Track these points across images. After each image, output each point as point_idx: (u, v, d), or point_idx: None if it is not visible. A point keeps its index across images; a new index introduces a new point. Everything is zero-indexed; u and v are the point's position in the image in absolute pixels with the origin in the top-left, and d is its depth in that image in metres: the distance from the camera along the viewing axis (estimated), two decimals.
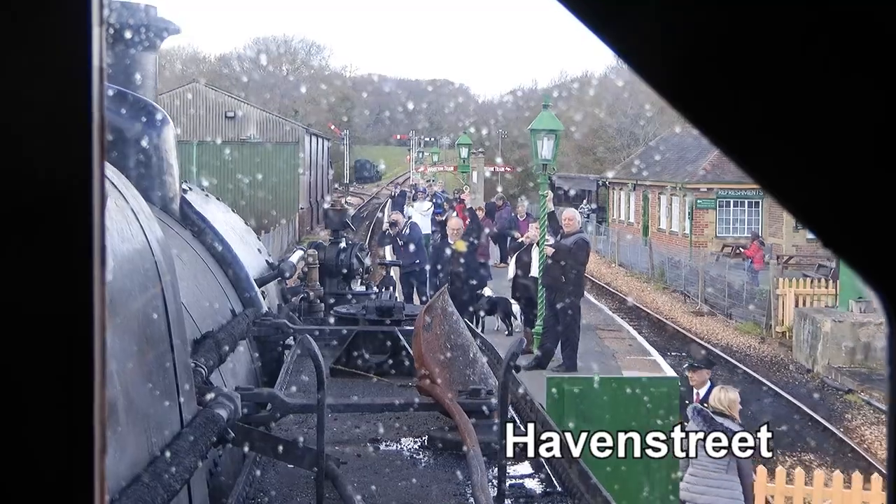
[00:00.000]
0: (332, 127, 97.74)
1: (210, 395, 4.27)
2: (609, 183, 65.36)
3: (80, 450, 1.01)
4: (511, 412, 5.48)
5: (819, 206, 0.99)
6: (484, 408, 5.10)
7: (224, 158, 57.68)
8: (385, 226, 19.85)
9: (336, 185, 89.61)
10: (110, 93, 6.74)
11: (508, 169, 70.51)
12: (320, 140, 74.07)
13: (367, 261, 10.78)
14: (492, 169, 61.49)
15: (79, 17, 0.96)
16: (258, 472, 4.63)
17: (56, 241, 0.98)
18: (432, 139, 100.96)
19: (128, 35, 7.54)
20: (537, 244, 20.66)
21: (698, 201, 50.54)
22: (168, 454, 3.16)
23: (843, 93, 0.93)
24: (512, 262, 23.02)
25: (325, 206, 12.26)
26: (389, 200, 54.49)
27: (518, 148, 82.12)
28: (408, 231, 24.64)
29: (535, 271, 20.80)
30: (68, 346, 0.99)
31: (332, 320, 7.94)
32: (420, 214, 32.70)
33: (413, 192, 49.78)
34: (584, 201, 66.97)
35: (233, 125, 60.29)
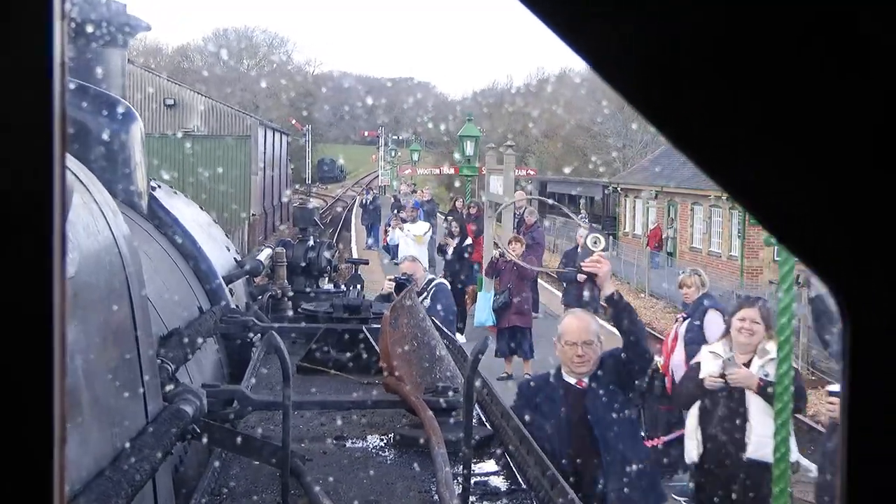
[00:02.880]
0: (294, 122, 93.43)
1: (176, 391, 4.26)
2: (620, 189, 54.87)
3: (39, 440, 1.00)
4: (476, 410, 5.51)
5: (770, 203, 1.01)
6: (446, 404, 5.11)
7: (158, 153, 46.78)
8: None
9: (296, 186, 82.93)
10: (72, 86, 6.70)
11: (532, 172, 55.21)
12: (278, 135, 65.48)
13: (335, 259, 10.76)
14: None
15: (41, 11, 0.96)
16: (223, 468, 4.62)
17: (15, 234, 0.97)
18: (413, 136, 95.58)
19: (95, 31, 7.50)
20: None
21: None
22: (132, 448, 3.15)
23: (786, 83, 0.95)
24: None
25: (294, 203, 12.19)
26: (360, 210, 47.76)
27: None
28: (429, 300, 13.46)
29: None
30: (27, 337, 0.99)
31: (300, 318, 7.94)
32: (415, 244, 26.00)
33: (395, 203, 38.45)
34: (582, 210, 57.28)
35: (173, 115, 51.94)
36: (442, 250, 23.16)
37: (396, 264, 29.02)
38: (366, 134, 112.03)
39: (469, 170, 28.73)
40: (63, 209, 0.99)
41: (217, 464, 4.59)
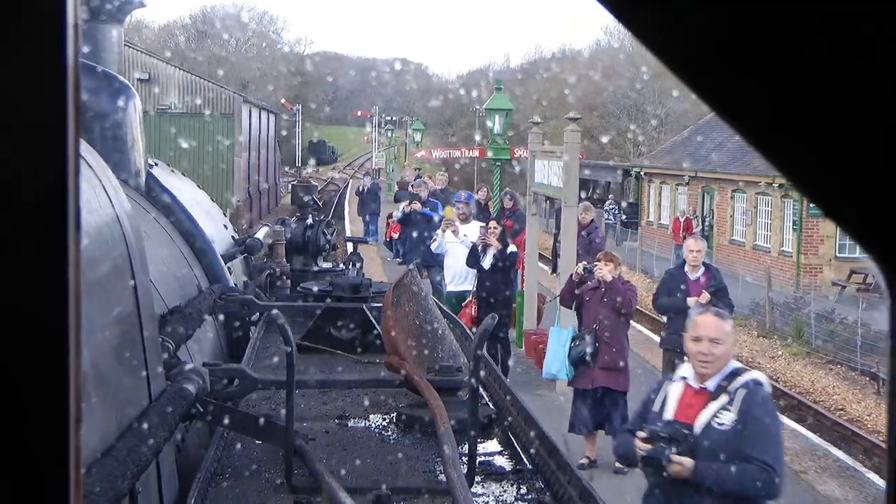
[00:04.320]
0: (283, 100, 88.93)
1: (178, 370, 4.23)
2: (644, 173, 47.63)
3: (55, 420, 0.99)
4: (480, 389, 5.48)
5: (821, 175, 0.97)
6: (449, 384, 5.07)
7: None
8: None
9: (286, 168, 77.38)
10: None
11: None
12: (265, 114, 59.05)
13: (334, 237, 10.72)
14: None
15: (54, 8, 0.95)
16: (225, 447, 4.59)
17: (30, 219, 0.97)
18: (408, 116, 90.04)
19: (91, 7, 7.43)
20: None
21: (811, 207, 30.34)
22: (137, 428, 3.12)
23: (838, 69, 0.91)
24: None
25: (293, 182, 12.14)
26: (356, 198, 40.25)
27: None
28: None
29: None
30: (44, 317, 0.97)
31: (299, 296, 7.90)
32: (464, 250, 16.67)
33: (401, 190, 31.17)
34: (610, 197, 52.30)
35: (146, 91, 44.14)
36: (475, 259, 15.74)
37: (400, 263, 23.88)
38: (358, 114, 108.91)
39: (499, 151, 21.89)
40: (76, 195, 0.99)
41: (220, 443, 4.56)
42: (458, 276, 17.12)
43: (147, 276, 4.08)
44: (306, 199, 10.24)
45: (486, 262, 15.18)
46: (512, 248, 15.56)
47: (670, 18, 0.95)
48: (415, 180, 30.18)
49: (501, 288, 15.50)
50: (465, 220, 17.81)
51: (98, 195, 3.49)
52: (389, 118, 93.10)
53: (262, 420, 4.33)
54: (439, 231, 17.89)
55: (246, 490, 4.11)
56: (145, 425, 3.18)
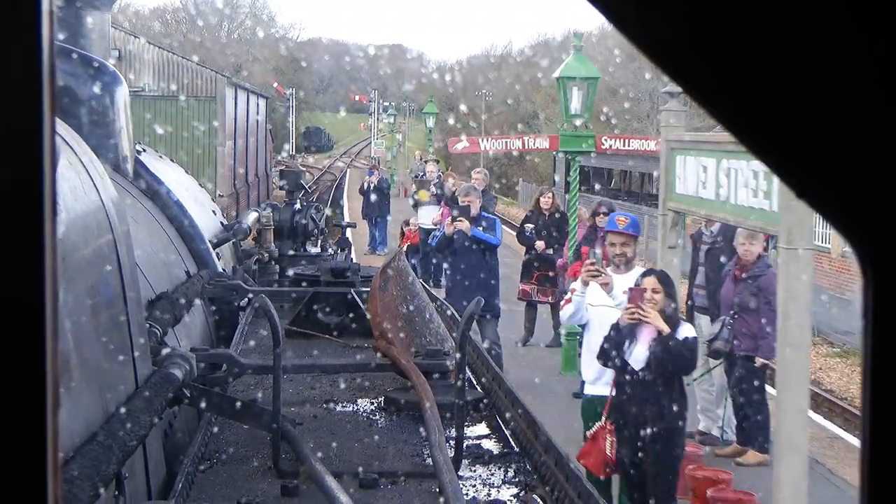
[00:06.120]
0: (276, 84, 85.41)
1: (165, 355, 4.24)
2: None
3: (31, 405, 0.99)
4: (466, 373, 5.50)
5: (789, 154, 0.98)
6: (437, 367, 5.08)
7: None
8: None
9: (278, 157, 70.15)
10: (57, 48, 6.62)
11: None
12: (254, 98, 52.45)
13: (323, 222, 10.72)
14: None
15: None
16: (214, 432, 4.60)
17: (3, 198, 0.96)
18: (404, 102, 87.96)
19: None
20: None
21: None
22: (123, 413, 3.12)
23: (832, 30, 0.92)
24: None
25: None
26: (361, 196, 31.64)
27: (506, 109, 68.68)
28: None
29: None
30: (17, 300, 0.97)
31: (287, 281, 7.91)
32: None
33: (418, 186, 24.03)
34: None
35: (119, 70, 28.10)
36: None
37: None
38: (356, 98, 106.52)
39: (578, 141, 15.15)
40: (53, 174, 0.98)
41: (207, 428, 4.57)
42: (602, 370, 8.44)
43: (133, 261, 4.08)
44: (294, 183, 10.24)
45: (638, 357, 7.70)
46: (687, 330, 7.98)
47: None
48: (422, 175, 25.12)
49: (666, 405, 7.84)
50: (622, 261, 8.70)
51: (83, 181, 3.48)
52: (387, 104, 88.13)
53: (249, 405, 4.34)
54: (577, 283, 8.66)
55: (233, 474, 4.12)
56: (131, 411, 3.19)
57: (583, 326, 8.91)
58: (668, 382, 7.63)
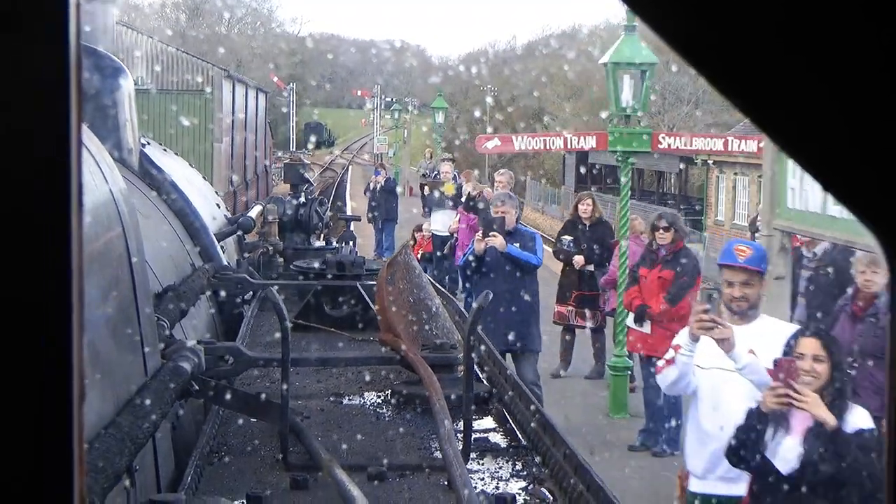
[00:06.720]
0: (276, 79, 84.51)
1: (173, 348, 4.23)
2: (713, 161, 36.01)
3: (59, 397, 1.00)
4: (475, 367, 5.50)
5: (822, 151, 0.97)
6: (444, 360, 5.08)
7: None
8: None
9: (278, 153, 69.00)
10: None
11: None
12: (253, 92, 50.57)
13: (327, 215, 10.71)
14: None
15: None
16: (221, 425, 4.60)
17: (33, 197, 0.97)
18: (408, 97, 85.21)
19: None
20: None
21: None
22: (134, 406, 3.12)
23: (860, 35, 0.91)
24: None
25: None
26: (369, 199, 28.42)
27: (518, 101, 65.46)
28: None
29: None
30: (48, 293, 0.98)
31: (291, 275, 7.90)
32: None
33: (434, 192, 21.11)
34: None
35: None
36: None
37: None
38: (359, 93, 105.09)
39: (630, 140, 13.30)
40: (79, 175, 0.99)
41: (215, 421, 4.57)
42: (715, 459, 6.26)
43: (143, 254, 4.08)
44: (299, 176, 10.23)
45: (786, 456, 5.41)
46: (861, 418, 5.45)
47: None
48: (435, 175, 22.67)
49: None
50: (744, 307, 6.33)
51: (94, 174, 3.48)
52: (388, 99, 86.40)
53: (257, 398, 4.34)
54: (682, 336, 6.26)
55: (242, 468, 4.13)
56: (142, 403, 3.19)
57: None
58: (831, 493, 5.22)
